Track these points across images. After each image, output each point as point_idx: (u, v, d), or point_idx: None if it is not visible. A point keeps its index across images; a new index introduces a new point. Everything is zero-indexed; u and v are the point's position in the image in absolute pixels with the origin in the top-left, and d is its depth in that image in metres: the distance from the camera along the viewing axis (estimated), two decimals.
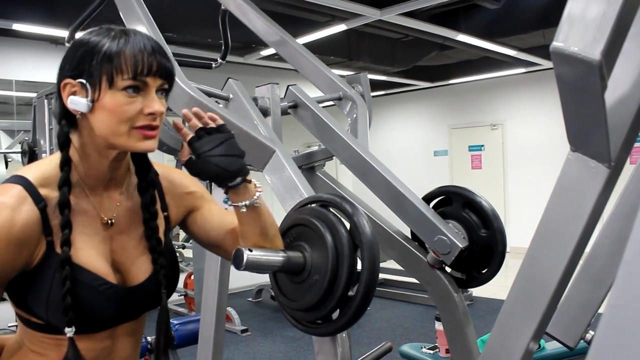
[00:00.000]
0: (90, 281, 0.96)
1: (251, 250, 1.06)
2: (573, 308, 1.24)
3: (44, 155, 4.14)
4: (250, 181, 1.06)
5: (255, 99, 2.04)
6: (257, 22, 2.47)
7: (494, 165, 8.92)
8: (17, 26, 4.91)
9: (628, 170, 1.02)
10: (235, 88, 1.97)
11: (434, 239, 1.77)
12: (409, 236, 1.97)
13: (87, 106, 0.93)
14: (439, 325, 2.77)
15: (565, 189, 0.94)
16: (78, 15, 2.77)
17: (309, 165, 2.29)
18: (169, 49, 1.74)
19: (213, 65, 2.97)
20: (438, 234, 1.76)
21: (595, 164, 0.89)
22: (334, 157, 2.23)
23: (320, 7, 4.90)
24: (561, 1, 0.76)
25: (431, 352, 2.77)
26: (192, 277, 5.54)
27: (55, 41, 5.44)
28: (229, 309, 4.99)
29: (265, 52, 6.31)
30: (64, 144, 0.97)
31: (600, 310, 0.86)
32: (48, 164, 0.98)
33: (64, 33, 4.92)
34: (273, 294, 1.31)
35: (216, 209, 1.20)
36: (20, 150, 4.77)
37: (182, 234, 6.89)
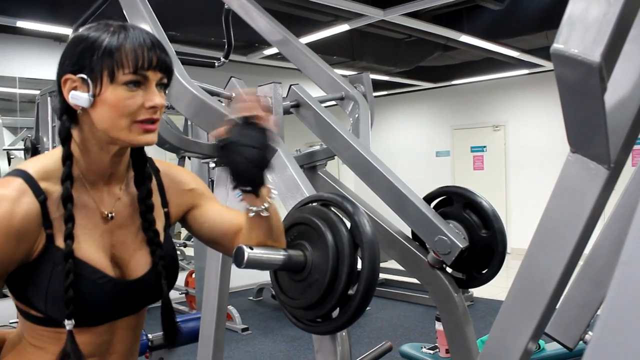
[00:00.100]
0: (90, 274, 0.96)
1: (252, 249, 1.06)
2: (572, 309, 1.24)
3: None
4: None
5: None
6: (260, 22, 2.47)
7: (496, 167, 8.91)
8: (21, 23, 4.93)
9: (628, 171, 1.02)
10: (237, 87, 1.98)
11: (435, 239, 1.77)
12: (410, 236, 1.98)
13: (89, 101, 0.94)
14: (439, 326, 2.77)
15: (564, 190, 0.94)
16: (82, 13, 2.78)
17: (310, 165, 2.30)
18: (171, 47, 1.75)
19: (216, 64, 2.97)
20: (438, 234, 1.77)
21: (595, 165, 0.89)
22: (335, 157, 2.24)
23: (324, 6, 4.90)
24: (564, 3, 0.76)
25: (431, 352, 2.78)
26: (194, 275, 5.55)
27: (59, 39, 5.46)
28: (230, 307, 5.00)
29: (268, 52, 6.32)
30: (65, 139, 0.98)
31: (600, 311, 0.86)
32: (49, 158, 0.99)
33: (67, 31, 4.96)
34: (274, 292, 1.32)
35: (217, 206, 1.20)
36: (23, 147, 4.79)
37: (184, 233, 6.90)
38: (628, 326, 0.60)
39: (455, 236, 1.75)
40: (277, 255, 1.12)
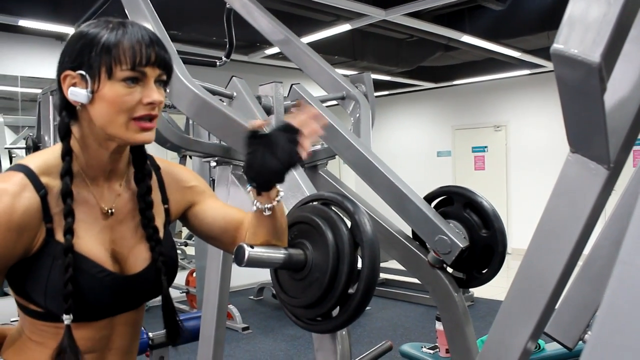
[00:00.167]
0: (89, 268, 0.97)
1: (252, 247, 1.07)
2: (572, 309, 1.24)
3: None
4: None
5: (258, 98, 2.05)
6: (262, 21, 2.48)
7: (497, 167, 8.91)
8: (23, 22, 4.94)
9: (628, 171, 1.02)
10: (239, 86, 1.98)
11: (435, 239, 1.78)
12: (410, 236, 1.98)
13: (87, 97, 0.95)
14: (439, 325, 2.77)
15: (564, 190, 0.94)
16: (83, 12, 2.79)
17: (311, 164, 2.30)
18: (172, 45, 1.76)
19: (217, 63, 2.98)
20: (439, 234, 1.77)
21: (595, 165, 0.90)
22: (336, 156, 2.24)
23: (325, 6, 4.91)
24: (566, 3, 0.76)
25: (431, 351, 2.78)
26: (194, 274, 5.56)
27: (61, 37, 5.46)
28: (230, 306, 5.01)
29: (270, 51, 6.32)
30: (64, 135, 0.99)
31: None
32: (50, 154, 1.00)
33: (69, 30, 4.96)
34: (274, 292, 1.32)
35: (217, 203, 1.21)
36: (24, 145, 4.80)
37: (185, 232, 6.91)
38: (626, 325, 0.60)
39: (455, 236, 1.75)
40: (278, 254, 1.12)
